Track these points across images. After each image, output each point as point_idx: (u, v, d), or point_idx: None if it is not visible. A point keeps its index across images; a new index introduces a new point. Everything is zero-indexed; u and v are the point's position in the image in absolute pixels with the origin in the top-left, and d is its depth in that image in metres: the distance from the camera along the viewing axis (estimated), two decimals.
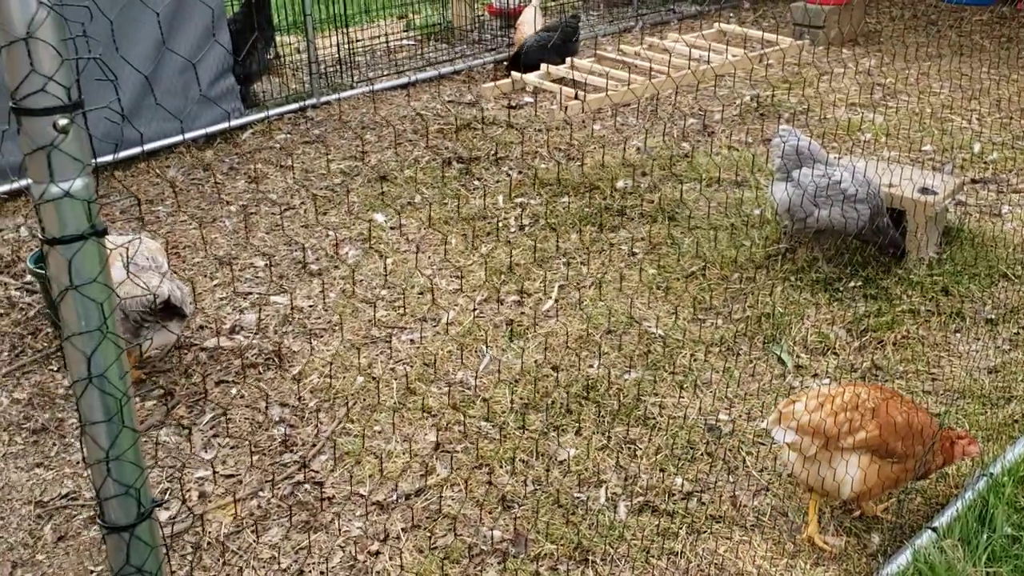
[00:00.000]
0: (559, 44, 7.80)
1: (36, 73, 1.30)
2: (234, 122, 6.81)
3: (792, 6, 9.13)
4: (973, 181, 5.85)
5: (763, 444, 3.70)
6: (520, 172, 6.16)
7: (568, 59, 7.87)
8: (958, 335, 4.37)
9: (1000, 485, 3.26)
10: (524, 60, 7.83)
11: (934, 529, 3.12)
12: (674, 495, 3.45)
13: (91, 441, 1.44)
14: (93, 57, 1.35)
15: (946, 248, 4.96)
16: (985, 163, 6.12)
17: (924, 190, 4.85)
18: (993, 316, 4.48)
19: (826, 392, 3.16)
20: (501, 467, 3.60)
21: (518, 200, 5.77)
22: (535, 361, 4.21)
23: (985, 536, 3.05)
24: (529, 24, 8.26)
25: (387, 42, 8.83)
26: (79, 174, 1.38)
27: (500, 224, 5.50)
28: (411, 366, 4.22)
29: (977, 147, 6.32)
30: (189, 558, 3.25)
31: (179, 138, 6.57)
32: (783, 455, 3.18)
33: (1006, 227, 5.24)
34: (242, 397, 4.07)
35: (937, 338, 4.33)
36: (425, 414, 3.91)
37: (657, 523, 3.32)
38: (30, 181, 1.41)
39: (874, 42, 8.93)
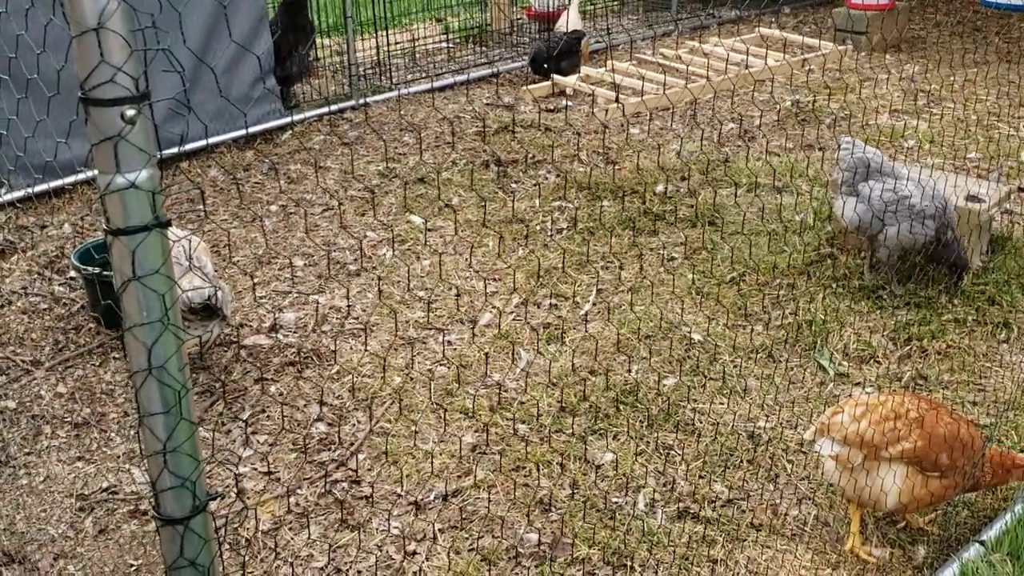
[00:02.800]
0: (551, 59, 7.69)
1: (106, 63, 1.30)
2: (274, 123, 6.87)
3: (834, 11, 9.05)
4: (1020, 189, 5.75)
5: (804, 452, 3.65)
6: (557, 175, 6.15)
7: (558, 75, 7.70)
8: (1005, 345, 4.29)
9: None
10: (532, 67, 7.84)
11: (982, 542, 3.06)
12: (714, 502, 3.41)
13: (148, 433, 1.44)
14: (161, 48, 1.36)
15: (993, 257, 4.87)
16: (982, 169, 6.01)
17: (971, 198, 4.76)
18: None
19: (869, 401, 3.10)
20: (539, 470, 3.58)
21: (555, 203, 5.75)
22: (572, 365, 4.19)
23: None
24: (562, 27, 8.24)
25: (425, 45, 8.86)
26: (144, 165, 1.38)
27: (537, 227, 5.48)
28: (448, 367, 4.22)
29: None
30: (240, 553, 3.26)
31: (219, 138, 6.64)
32: (827, 466, 3.12)
33: None
34: (281, 395, 4.09)
35: (984, 348, 4.25)
36: (462, 415, 3.90)
37: (696, 530, 3.28)
38: (95, 172, 1.41)
39: (918, 48, 8.82)
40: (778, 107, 7.22)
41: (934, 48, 8.80)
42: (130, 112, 1.34)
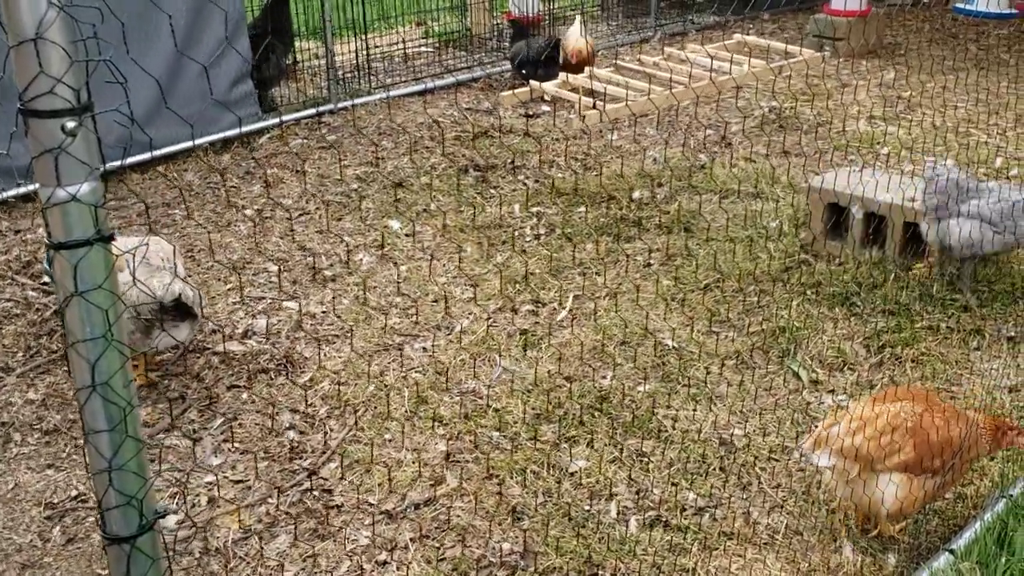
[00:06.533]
0: (531, 64, 7.72)
1: (45, 75, 1.27)
2: (251, 127, 6.83)
3: (812, 18, 9.09)
4: None
5: (776, 460, 3.65)
6: (537, 181, 6.14)
7: (536, 81, 7.73)
8: (978, 353, 4.31)
9: (1019, 507, 3.20)
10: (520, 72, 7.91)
11: (951, 551, 3.07)
12: (686, 510, 3.41)
13: (94, 450, 1.41)
14: (103, 59, 1.33)
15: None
16: (1007, 178, 6.05)
17: None
18: (1014, 334, 4.41)
19: (865, 413, 3.10)
20: (512, 478, 3.56)
21: (534, 209, 5.74)
22: (548, 371, 4.18)
23: (1004, 560, 2.99)
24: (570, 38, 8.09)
25: (405, 49, 8.84)
26: (87, 178, 1.35)
27: (516, 233, 5.47)
28: (423, 375, 4.20)
29: (999, 162, 6.26)
30: (210, 563, 3.23)
31: (196, 142, 6.59)
32: (824, 477, 3.15)
33: None
34: (253, 403, 4.05)
35: (957, 356, 4.27)
36: (436, 423, 3.88)
37: (669, 538, 3.27)
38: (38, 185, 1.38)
39: (894, 54, 8.87)
40: (755, 113, 7.24)
41: (910, 55, 8.86)
42: (71, 124, 1.31)
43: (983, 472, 3.53)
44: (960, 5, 10.29)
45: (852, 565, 3.15)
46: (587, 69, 7.86)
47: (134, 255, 3.77)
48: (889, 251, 4.85)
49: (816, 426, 3.28)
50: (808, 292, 4.73)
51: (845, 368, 4.20)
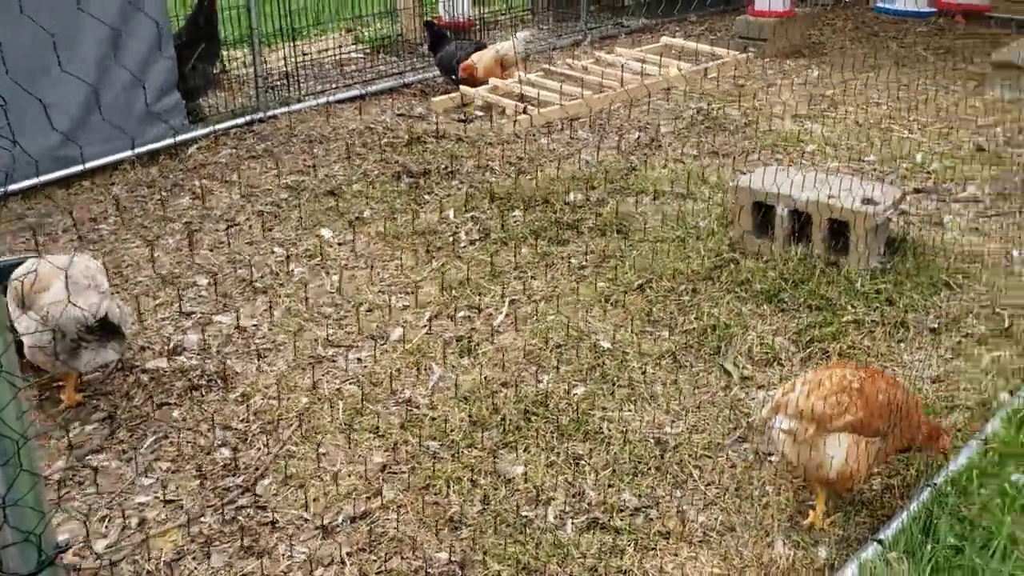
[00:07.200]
0: (455, 70, 7.80)
1: None
2: (179, 138, 6.71)
3: (736, 19, 9.25)
4: (915, 191, 5.95)
5: (710, 457, 3.71)
6: (471, 186, 6.14)
7: (464, 86, 7.77)
8: (902, 345, 4.42)
9: (943, 495, 3.30)
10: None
11: (880, 541, 3.14)
12: (622, 511, 3.44)
13: None
14: None
15: (889, 258, 5.02)
16: (927, 173, 6.23)
17: (866, 201, 4.90)
18: (936, 325, 4.54)
19: (816, 377, 3.29)
20: (449, 487, 3.56)
21: (469, 214, 5.74)
22: (485, 377, 4.18)
23: (929, 547, 3.08)
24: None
25: (336, 55, 8.77)
26: None
27: (451, 239, 5.46)
28: (358, 386, 4.16)
29: (919, 157, 6.44)
30: None
31: (123, 155, 6.46)
32: (780, 440, 3.28)
33: (947, 237, 5.32)
34: (184, 420, 3.98)
35: (881, 348, 4.37)
36: (372, 434, 3.86)
37: (605, 540, 3.30)
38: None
39: (817, 54, 9.07)
40: (682, 115, 7.33)
41: (833, 53, 9.06)
42: None
43: (909, 462, 3.63)
44: (881, 4, 10.57)
45: (784, 559, 3.22)
46: (516, 73, 7.88)
47: (28, 277, 3.69)
48: (813, 247, 4.96)
49: (773, 395, 3.44)
50: (737, 289, 4.80)
51: (774, 363, 4.27)
